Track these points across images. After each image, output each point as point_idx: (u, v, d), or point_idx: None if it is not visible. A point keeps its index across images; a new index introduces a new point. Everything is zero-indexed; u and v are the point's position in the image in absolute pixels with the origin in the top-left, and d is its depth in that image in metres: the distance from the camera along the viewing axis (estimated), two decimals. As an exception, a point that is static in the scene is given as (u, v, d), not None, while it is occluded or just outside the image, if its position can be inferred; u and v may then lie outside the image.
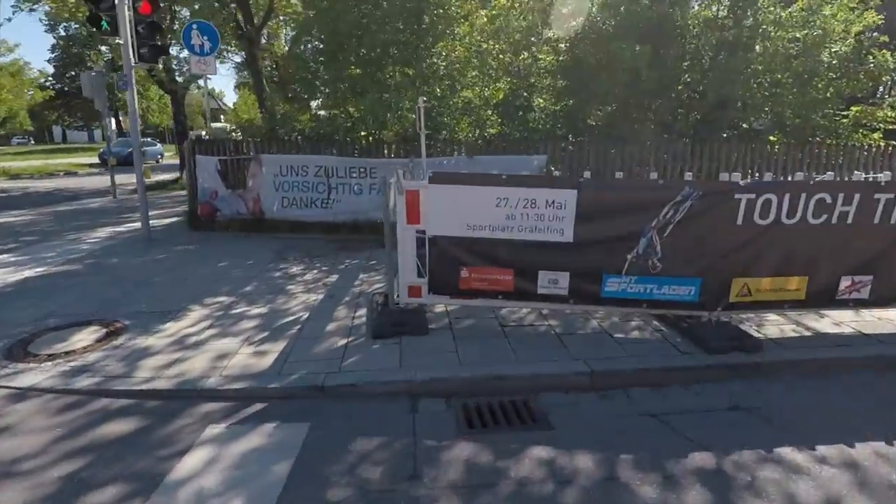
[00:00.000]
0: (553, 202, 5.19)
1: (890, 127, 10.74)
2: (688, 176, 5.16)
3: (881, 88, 14.79)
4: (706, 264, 5.19)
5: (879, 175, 5.32)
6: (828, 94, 10.63)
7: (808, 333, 5.48)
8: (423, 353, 5.04)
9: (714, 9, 10.47)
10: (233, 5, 16.39)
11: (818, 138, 10.71)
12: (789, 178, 5.70)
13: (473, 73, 10.98)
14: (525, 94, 10.78)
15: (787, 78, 9.93)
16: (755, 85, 9.92)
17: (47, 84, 60.03)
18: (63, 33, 49.08)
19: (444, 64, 10.55)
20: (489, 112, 10.95)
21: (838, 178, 6.77)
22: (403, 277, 5.69)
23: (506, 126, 10.67)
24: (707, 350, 4.99)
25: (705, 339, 5.07)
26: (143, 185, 11.08)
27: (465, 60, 10.45)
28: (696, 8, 10.22)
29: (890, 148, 10.57)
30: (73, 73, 57.55)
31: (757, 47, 9.66)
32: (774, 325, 5.66)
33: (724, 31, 9.67)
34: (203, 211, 11.57)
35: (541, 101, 11.34)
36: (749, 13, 10.17)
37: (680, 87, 10.16)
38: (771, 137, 10.97)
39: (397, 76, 10.22)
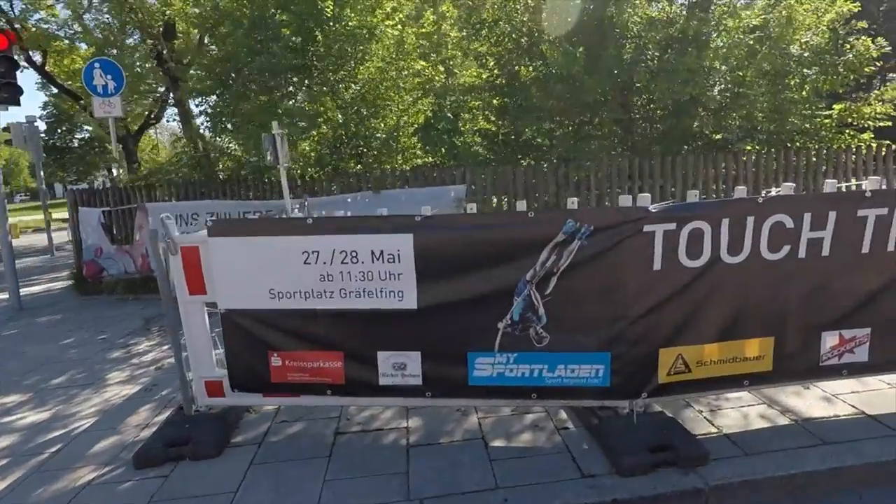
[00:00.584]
0: (381, 253, 3.50)
1: (881, 124, 9.11)
2: (643, 200, 3.47)
3: (875, 80, 13.25)
4: (615, 331, 3.46)
5: (863, 182, 3.62)
6: (804, 93, 9.04)
7: (783, 420, 3.70)
8: (186, 497, 3.28)
9: (659, 4, 8.97)
10: (150, 42, 15.09)
11: (797, 144, 9.06)
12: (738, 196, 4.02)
13: (393, 96, 9.44)
14: (450, 115, 9.22)
15: (752, 75, 8.34)
16: (714, 85, 8.31)
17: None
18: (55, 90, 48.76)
19: (354, 88, 9.02)
20: (413, 139, 9.38)
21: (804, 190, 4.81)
22: (197, 369, 3.98)
23: (431, 154, 9.08)
24: (619, 468, 3.21)
25: (618, 450, 3.29)
26: (9, 247, 9.45)
27: (380, 82, 8.90)
28: (640, 2, 8.68)
29: (883, 149, 8.90)
30: (62, 128, 57.12)
31: (712, 42, 8.07)
32: (735, 408, 3.89)
33: (670, 25, 8.10)
34: (88, 271, 9.89)
35: (478, 122, 9.78)
36: (699, 5, 8.65)
37: (629, 95, 8.56)
38: (747, 147, 9.33)
39: (298, 104, 8.67)
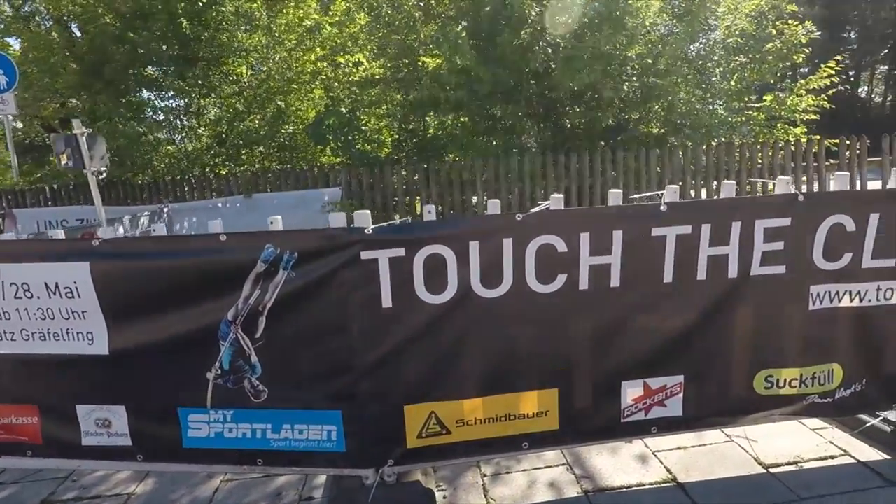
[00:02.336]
0: (57, 286, 2.74)
1: (810, 117, 8.36)
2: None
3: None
4: (344, 385, 2.71)
5: (663, 192, 2.86)
6: (731, 83, 8.28)
7: (573, 491, 2.96)
8: None
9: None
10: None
11: (723, 138, 8.31)
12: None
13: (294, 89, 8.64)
14: (344, 110, 8.42)
15: (666, 63, 7.57)
16: (620, 74, 7.52)
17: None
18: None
19: (242, 81, 8.21)
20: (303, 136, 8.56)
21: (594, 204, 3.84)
22: None
23: (323, 152, 8.29)
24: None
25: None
26: None
27: (266, 76, 8.09)
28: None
29: (815, 145, 8.15)
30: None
31: (608, 27, 7.23)
32: (528, 470, 3.16)
33: (568, 11, 7.27)
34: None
35: (378, 118, 8.98)
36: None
37: (528, 85, 7.76)
38: (673, 142, 8.59)
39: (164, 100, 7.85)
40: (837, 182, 3.07)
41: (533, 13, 7.24)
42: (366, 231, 2.51)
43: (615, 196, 2.96)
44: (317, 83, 8.63)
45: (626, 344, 2.80)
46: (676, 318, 2.79)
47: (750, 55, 8.05)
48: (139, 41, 7.06)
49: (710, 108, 8.20)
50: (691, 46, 7.95)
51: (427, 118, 8.55)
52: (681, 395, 2.89)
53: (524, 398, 2.80)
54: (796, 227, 2.72)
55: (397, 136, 8.85)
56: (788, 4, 8.24)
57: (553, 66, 7.28)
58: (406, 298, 2.58)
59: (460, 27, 7.31)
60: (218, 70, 7.92)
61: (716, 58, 8.07)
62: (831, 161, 8.08)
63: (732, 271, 2.73)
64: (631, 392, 2.86)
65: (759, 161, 7.89)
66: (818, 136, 8.16)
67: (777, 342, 2.87)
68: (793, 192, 2.72)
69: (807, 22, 8.04)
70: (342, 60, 8.59)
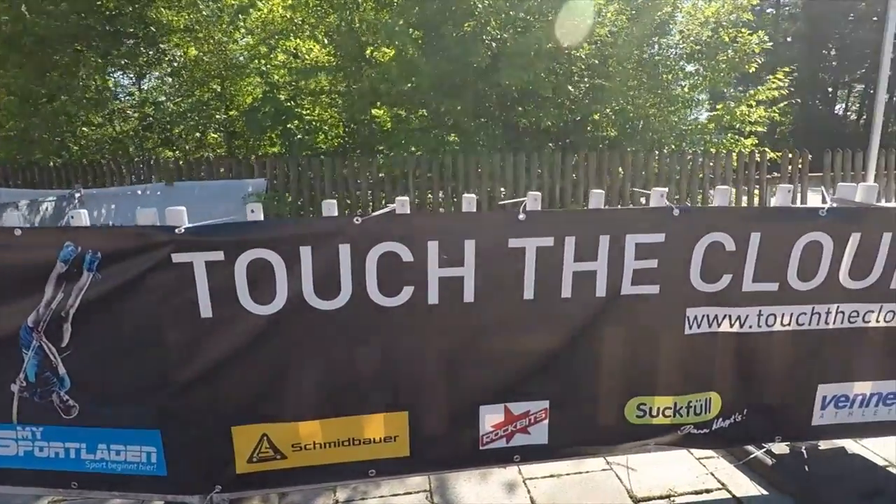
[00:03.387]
0: None
1: (757, 128, 8.22)
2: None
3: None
4: (162, 402, 2.42)
5: (525, 198, 2.61)
6: (686, 90, 8.11)
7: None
8: None
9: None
10: None
11: (673, 146, 8.14)
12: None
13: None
14: (282, 97, 8.08)
15: (615, 65, 7.36)
16: (563, 73, 7.28)
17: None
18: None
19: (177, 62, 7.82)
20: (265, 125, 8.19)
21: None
22: None
23: (260, 140, 7.94)
24: None
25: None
26: None
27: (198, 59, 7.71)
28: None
29: (758, 155, 7.99)
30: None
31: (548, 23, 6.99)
32: (385, 497, 2.89)
33: (514, 6, 7.00)
34: None
35: (322, 108, 8.63)
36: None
37: (475, 81, 7.49)
38: (629, 148, 8.38)
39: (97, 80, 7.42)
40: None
41: (480, 6, 6.96)
42: (176, 231, 2.22)
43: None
44: (253, 69, 8.25)
45: (484, 365, 2.55)
46: (539, 339, 2.55)
47: (703, 62, 7.89)
48: (57, 13, 6.63)
49: (662, 114, 8.01)
50: (646, 50, 7.74)
51: (375, 111, 8.24)
52: (546, 421, 2.65)
53: (369, 421, 2.54)
54: (671, 244, 2.49)
55: (344, 128, 8.53)
56: (744, 13, 8.09)
57: (494, 63, 7.02)
58: (228, 307, 2.30)
59: (404, 17, 6.99)
60: (148, 50, 7.51)
61: (669, 62, 7.88)
62: (776, 174, 7.96)
63: (601, 289, 2.49)
64: (490, 418, 2.61)
65: (712, 171, 7.72)
66: (764, 149, 8.04)
67: (650, 368, 2.64)
68: (666, 205, 2.48)
69: (759, 32, 7.88)
70: (288, 46, 8.23)
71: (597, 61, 7.33)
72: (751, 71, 8.05)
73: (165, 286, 2.26)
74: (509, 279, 2.44)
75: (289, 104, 7.86)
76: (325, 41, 8.21)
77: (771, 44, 8.19)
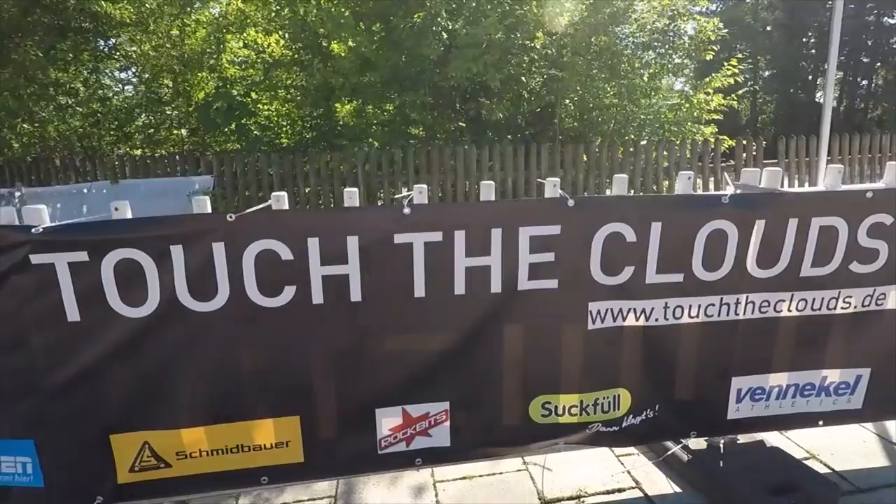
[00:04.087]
0: None
1: (714, 117, 8.16)
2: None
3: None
4: (33, 409, 2.30)
5: (410, 192, 2.51)
6: (645, 79, 8.03)
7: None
8: None
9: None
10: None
11: (632, 136, 8.06)
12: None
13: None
14: (236, 93, 7.91)
15: (569, 55, 7.26)
16: (517, 64, 7.17)
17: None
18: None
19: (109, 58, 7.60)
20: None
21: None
22: None
23: (216, 137, 7.78)
24: None
25: None
26: None
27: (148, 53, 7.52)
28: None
29: (713, 143, 7.91)
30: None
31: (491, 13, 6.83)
32: (299, 503, 2.79)
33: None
34: None
35: (277, 104, 8.47)
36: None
37: (436, 75, 7.36)
38: (593, 139, 8.28)
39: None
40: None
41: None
42: (33, 231, 2.09)
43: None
44: (206, 63, 8.07)
45: (378, 367, 2.44)
46: (434, 338, 2.45)
47: (659, 51, 7.80)
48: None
49: (622, 104, 7.92)
50: (603, 39, 7.64)
51: (339, 105, 8.08)
52: (448, 423, 2.56)
53: (258, 427, 2.43)
54: (568, 236, 2.39)
55: (302, 124, 8.38)
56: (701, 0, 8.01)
57: (445, 54, 6.90)
58: (97, 311, 2.18)
59: (351, 8, 6.85)
60: (98, 44, 7.31)
61: (627, 52, 7.79)
62: (730, 162, 7.92)
63: (496, 285, 2.39)
64: (387, 421, 2.51)
65: (666, 159, 7.63)
66: (725, 137, 7.98)
67: (553, 365, 2.55)
68: (560, 195, 2.39)
69: (714, 19, 7.80)
70: (247, 39, 8.05)
71: (552, 51, 7.22)
72: (708, 59, 7.99)
73: (26, 289, 2.14)
74: (398, 276, 2.34)
75: (245, 99, 7.69)
76: (280, 35, 8.06)
77: (726, 31, 8.12)
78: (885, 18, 39.74)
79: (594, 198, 2.65)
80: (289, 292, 2.28)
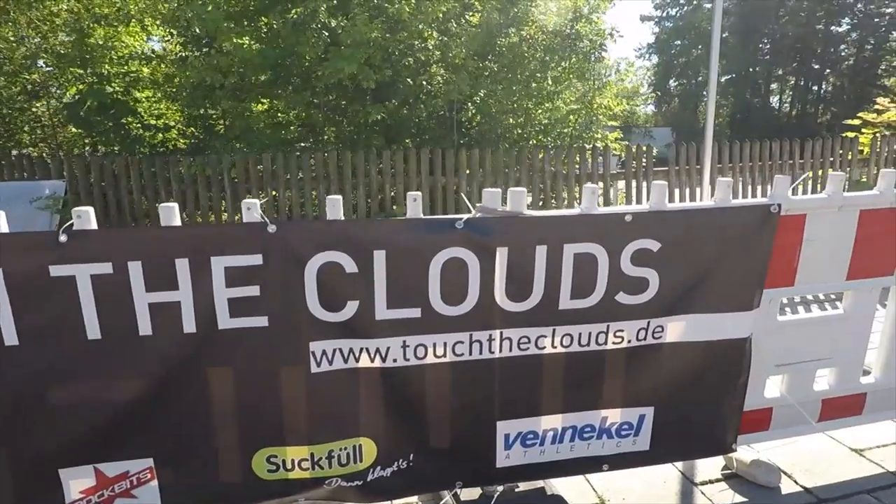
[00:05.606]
0: None
1: (613, 123, 7.98)
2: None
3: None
4: None
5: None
6: (549, 83, 7.79)
7: None
8: None
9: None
10: None
11: (534, 141, 7.82)
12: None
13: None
14: (111, 88, 7.40)
15: (460, 57, 6.97)
16: (398, 66, 6.84)
17: None
18: None
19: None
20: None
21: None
22: None
23: (90, 136, 7.25)
24: None
25: None
26: None
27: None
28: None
29: (622, 150, 7.75)
30: None
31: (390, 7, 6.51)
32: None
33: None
34: None
35: (164, 102, 7.98)
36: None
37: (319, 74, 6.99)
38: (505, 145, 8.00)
39: None
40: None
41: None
42: None
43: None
44: (75, 58, 7.49)
45: (54, 421, 2.06)
46: (122, 385, 2.08)
47: (560, 54, 7.58)
48: None
49: (523, 108, 7.67)
50: (501, 42, 7.38)
51: (226, 103, 7.63)
52: (155, 482, 2.20)
53: None
54: (274, 268, 2.05)
55: (186, 124, 7.91)
56: (604, 3, 7.83)
57: (324, 54, 6.53)
58: None
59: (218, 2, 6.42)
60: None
61: (527, 54, 7.54)
62: (620, 170, 7.74)
63: (189, 324, 2.04)
64: (76, 483, 2.13)
65: (566, 167, 7.36)
66: (626, 143, 7.80)
67: (274, 414, 2.21)
68: (259, 218, 2.04)
69: (610, 25, 7.63)
70: (127, 31, 7.54)
71: (439, 52, 6.92)
72: (605, 60, 7.80)
73: None
74: (62, 315, 1.96)
75: (122, 97, 7.18)
76: (160, 29, 7.58)
77: (623, 35, 7.96)
78: (834, 27, 40.97)
79: (298, 222, 2.34)
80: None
